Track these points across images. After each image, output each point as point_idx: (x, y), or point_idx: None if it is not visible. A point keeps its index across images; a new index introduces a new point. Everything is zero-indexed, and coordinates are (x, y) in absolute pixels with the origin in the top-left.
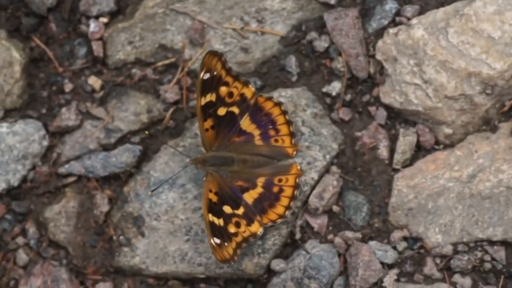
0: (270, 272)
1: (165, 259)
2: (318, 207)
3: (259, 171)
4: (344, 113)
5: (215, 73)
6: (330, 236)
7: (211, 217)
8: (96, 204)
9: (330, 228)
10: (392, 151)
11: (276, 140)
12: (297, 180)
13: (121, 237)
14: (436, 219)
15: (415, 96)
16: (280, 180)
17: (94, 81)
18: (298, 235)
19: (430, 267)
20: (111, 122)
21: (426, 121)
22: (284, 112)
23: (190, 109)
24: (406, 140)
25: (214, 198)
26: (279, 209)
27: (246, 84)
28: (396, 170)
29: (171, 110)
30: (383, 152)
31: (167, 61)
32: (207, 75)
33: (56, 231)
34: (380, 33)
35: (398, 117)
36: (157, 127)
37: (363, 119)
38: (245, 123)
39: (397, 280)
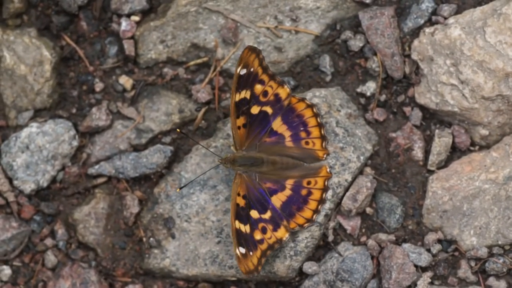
0: (302, 275)
1: (195, 261)
2: (352, 209)
3: (288, 173)
4: (378, 114)
5: (251, 69)
6: (363, 239)
7: (237, 224)
8: (126, 206)
9: (363, 230)
10: (427, 152)
11: (307, 143)
12: (326, 183)
13: (151, 238)
14: (471, 222)
15: (451, 97)
16: (309, 183)
17: (125, 81)
18: (330, 237)
19: (464, 270)
20: (142, 122)
21: (462, 122)
22: (316, 115)
23: (222, 109)
24: (442, 141)
25: (242, 203)
26: (307, 213)
27: (281, 84)
28: (430, 172)
29: (203, 110)
30: (418, 153)
31: (199, 61)
32: (244, 71)
33: (85, 233)
34: (416, 32)
35: (433, 118)
36: (189, 127)
37: (397, 119)
38: (277, 124)
39: (431, 283)
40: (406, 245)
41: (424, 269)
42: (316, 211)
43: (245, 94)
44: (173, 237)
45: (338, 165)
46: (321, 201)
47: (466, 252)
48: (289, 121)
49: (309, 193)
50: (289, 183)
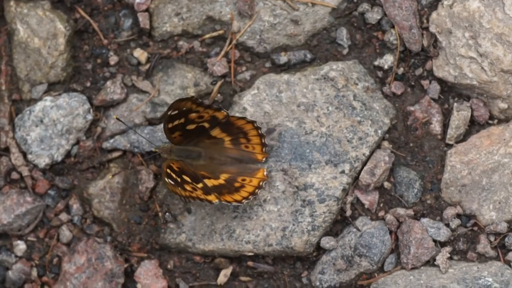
0: (320, 250)
1: (212, 236)
2: (370, 183)
3: (224, 168)
4: (396, 87)
5: (184, 108)
6: (381, 213)
7: (168, 170)
8: (142, 180)
9: (381, 204)
10: (445, 126)
11: (247, 147)
12: (260, 183)
13: (167, 213)
14: (490, 196)
15: (470, 70)
16: (243, 180)
17: (140, 54)
18: (348, 212)
19: (483, 245)
20: (157, 96)
21: (481, 95)
22: (257, 128)
23: (238, 82)
24: (460, 114)
25: (175, 166)
26: (237, 197)
27: (218, 110)
28: (449, 146)
29: (218, 83)
30: (436, 127)
31: (215, 34)
32: (175, 112)
33: (100, 208)
34: (434, 4)
35: (451, 91)
36: (205, 100)
37: (415, 93)
38: (216, 132)
39: (450, 258)
40: (424, 220)
41: (443, 244)
42: (245, 198)
43: (179, 122)
44: (189, 211)
45: (356, 139)
46: (253, 193)
47: (486, 227)
48: (229, 130)
49: (242, 186)
50: (223, 176)
